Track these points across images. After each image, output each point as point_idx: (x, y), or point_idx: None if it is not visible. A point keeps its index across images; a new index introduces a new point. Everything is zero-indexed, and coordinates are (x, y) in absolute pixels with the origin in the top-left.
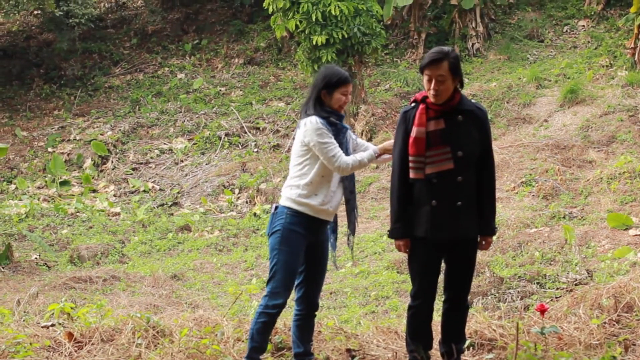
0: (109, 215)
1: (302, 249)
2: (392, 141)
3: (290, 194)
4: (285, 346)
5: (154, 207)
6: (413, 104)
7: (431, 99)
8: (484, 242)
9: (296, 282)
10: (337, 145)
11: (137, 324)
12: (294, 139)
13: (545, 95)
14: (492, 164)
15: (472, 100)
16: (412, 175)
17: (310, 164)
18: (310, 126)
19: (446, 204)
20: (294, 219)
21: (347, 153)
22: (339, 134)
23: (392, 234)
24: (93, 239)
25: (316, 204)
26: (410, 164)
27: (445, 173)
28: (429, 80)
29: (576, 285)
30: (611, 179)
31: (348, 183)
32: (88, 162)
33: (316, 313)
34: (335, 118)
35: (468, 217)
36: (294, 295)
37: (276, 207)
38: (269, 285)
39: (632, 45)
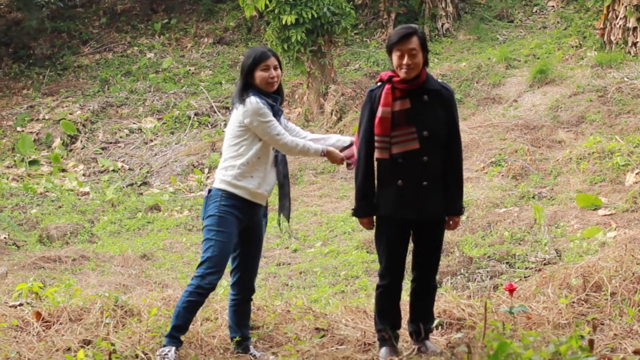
0: (78, 195)
1: (237, 232)
2: (338, 152)
3: (224, 176)
4: (254, 325)
5: (124, 187)
6: (379, 83)
7: (402, 75)
8: (451, 222)
9: (231, 267)
10: (278, 123)
11: (106, 304)
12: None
13: (514, 76)
14: (459, 143)
15: (439, 80)
16: (377, 155)
17: (247, 144)
18: (250, 106)
19: (412, 184)
20: (229, 201)
21: None
22: (275, 115)
23: (357, 213)
24: (62, 219)
25: (251, 186)
26: (376, 144)
27: (411, 153)
28: (401, 56)
29: (545, 265)
30: (580, 159)
31: (282, 168)
32: (57, 142)
33: (252, 297)
34: (272, 100)
35: (434, 197)
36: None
37: (209, 191)
38: (202, 266)
39: (602, 26)
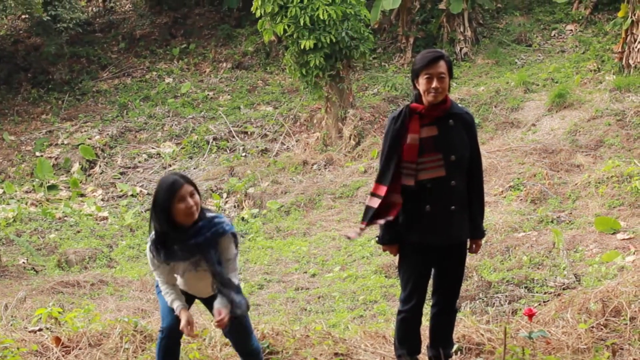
0: (96, 220)
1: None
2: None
3: None
4: (273, 350)
5: (142, 212)
6: (400, 110)
7: (430, 99)
8: (474, 246)
9: None
10: (160, 273)
11: (125, 329)
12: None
13: (533, 100)
14: (480, 166)
15: (459, 105)
16: (403, 181)
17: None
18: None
19: (440, 209)
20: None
21: (218, 265)
22: (173, 256)
23: (383, 240)
24: (81, 243)
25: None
26: (403, 170)
27: (439, 178)
28: (430, 80)
29: (564, 289)
30: (599, 183)
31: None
32: (76, 167)
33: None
34: (174, 235)
35: (461, 221)
36: None
37: None
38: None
39: (620, 50)
